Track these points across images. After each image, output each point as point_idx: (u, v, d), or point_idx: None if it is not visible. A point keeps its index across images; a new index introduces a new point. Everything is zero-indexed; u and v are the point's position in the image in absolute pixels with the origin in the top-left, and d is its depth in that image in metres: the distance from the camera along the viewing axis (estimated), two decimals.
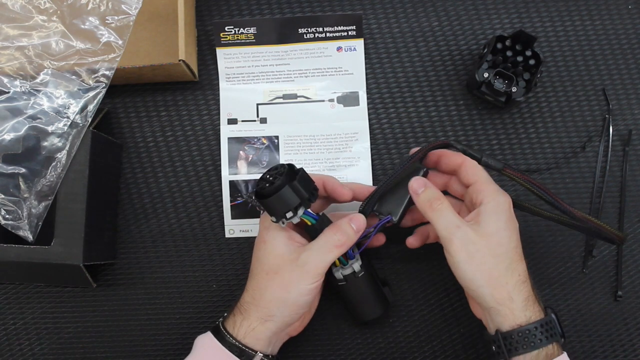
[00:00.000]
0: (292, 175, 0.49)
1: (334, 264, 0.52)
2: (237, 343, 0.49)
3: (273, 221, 0.50)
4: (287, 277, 0.49)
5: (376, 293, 0.55)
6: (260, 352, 0.50)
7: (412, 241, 0.56)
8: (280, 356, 0.54)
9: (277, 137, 0.62)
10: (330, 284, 0.55)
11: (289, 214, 0.49)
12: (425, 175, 0.53)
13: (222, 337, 0.50)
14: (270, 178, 0.49)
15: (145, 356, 0.61)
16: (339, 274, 0.53)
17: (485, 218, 0.49)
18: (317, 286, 0.50)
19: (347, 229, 0.50)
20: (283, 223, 0.49)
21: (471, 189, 0.51)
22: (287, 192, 0.48)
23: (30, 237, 0.55)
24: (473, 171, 0.51)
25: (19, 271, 0.58)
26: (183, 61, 0.57)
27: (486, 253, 0.48)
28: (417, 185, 0.51)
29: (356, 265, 0.53)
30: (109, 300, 0.62)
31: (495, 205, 0.49)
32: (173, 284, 0.62)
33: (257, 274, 0.51)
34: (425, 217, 0.50)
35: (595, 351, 0.60)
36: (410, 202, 0.52)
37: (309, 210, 0.50)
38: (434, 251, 0.61)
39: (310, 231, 0.52)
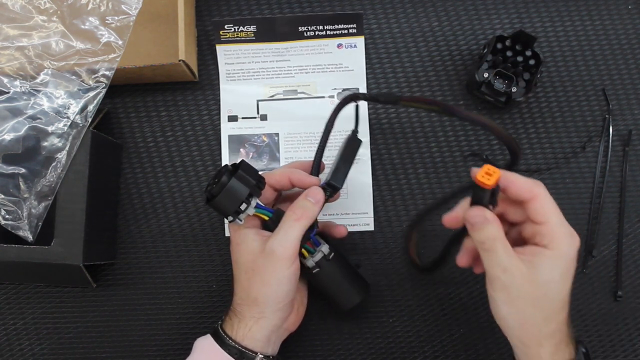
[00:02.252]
0: (234, 170, 0.50)
1: (303, 257, 0.52)
2: (236, 346, 0.49)
3: (230, 221, 0.50)
4: (263, 271, 0.49)
5: (353, 274, 0.55)
6: (261, 354, 0.50)
7: (462, 261, 0.51)
8: (280, 356, 0.54)
9: (277, 135, 0.62)
10: (310, 284, 0.56)
11: (243, 206, 0.49)
12: (493, 197, 0.45)
13: (222, 340, 0.50)
14: (216, 180, 0.49)
15: (145, 356, 0.61)
16: (310, 262, 0.52)
17: (541, 265, 0.44)
18: (293, 272, 0.49)
19: (303, 203, 0.50)
20: (240, 220, 0.50)
21: (538, 228, 0.45)
22: (235, 184, 0.48)
23: (30, 237, 0.55)
24: (545, 211, 0.45)
25: (19, 271, 0.58)
26: (183, 61, 0.57)
27: (528, 301, 0.45)
28: (477, 220, 0.45)
29: (324, 248, 0.52)
30: (109, 300, 0.62)
31: (558, 255, 0.45)
32: (173, 284, 0.62)
33: (238, 276, 0.51)
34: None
35: (595, 351, 0.60)
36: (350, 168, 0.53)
37: (260, 203, 0.51)
38: (435, 251, 0.61)
39: (268, 227, 0.52)
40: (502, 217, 0.48)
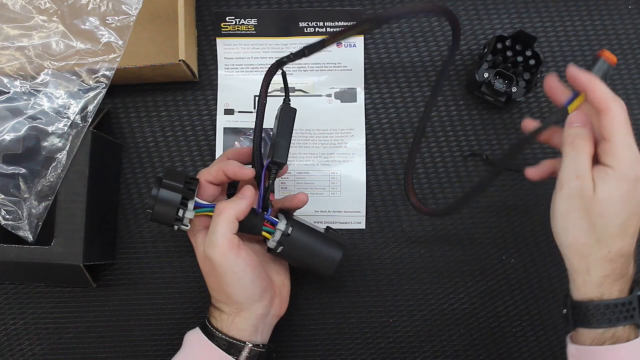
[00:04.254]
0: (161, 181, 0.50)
1: (266, 238, 0.52)
2: (224, 337, 0.50)
3: (177, 230, 0.50)
4: (217, 273, 0.49)
5: (321, 241, 0.53)
6: (249, 342, 0.50)
7: (532, 173, 0.52)
8: (275, 347, 0.54)
9: (272, 130, 0.62)
10: (291, 266, 0.56)
11: (180, 212, 0.49)
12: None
13: (210, 332, 0.51)
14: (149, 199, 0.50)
15: (145, 356, 0.61)
16: (271, 243, 0.52)
17: (601, 182, 0.44)
18: (244, 263, 0.49)
19: (219, 205, 0.50)
20: (186, 225, 0.50)
21: (604, 146, 0.45)
22: (164, 194, 0.49)
23: (30, 237, 0.55)
24: (612, 127, 0.44)
25: (19, 271, 0.58)
26: (183, 61, 0.57)
27: (583, 216, 0.45)
28: (576, 119, 0.47)
29: (281, 225, 0.52)
30: (109, 300, 0.62)
31: (618, 175, 0.44)
32: (173, 284, 0.62)
33: (206, 278, 0.52)
34: (562, 149, 0.47)
35: None
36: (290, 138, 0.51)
37: (201, 202, 0.51)
38: (435, 251, 0.61)
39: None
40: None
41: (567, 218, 0.46)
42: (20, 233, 0.55)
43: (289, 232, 0.52)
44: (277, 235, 0.52)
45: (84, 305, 0.61)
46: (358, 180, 0.62)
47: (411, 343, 0.61)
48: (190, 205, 0.50)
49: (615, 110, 0.45)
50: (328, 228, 0.55)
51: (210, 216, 0.50)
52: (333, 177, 0.62)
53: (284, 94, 0.54)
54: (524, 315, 0.61)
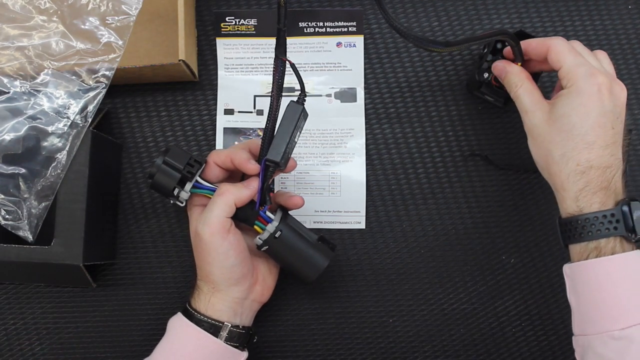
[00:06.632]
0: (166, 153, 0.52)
1: (258, 233, 0.52)
2: (204, 318, 0.51)
3: (172, 203, 0.52)
4: (201, 251, 0.51)
5: (308, 248, 0.53)
6: (229, 323, 0.51)
7: None
8: (276, 346, 0.54)
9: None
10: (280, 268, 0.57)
11: (176, 190, 0.51)
12: (518, 54, 0.52)
13: (191, 315, 0.52)
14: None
15: (145, 356, 0.61)
16: (258, 240, 0.53)
17: (558, 102, 0.48)
18: (229, 247, 0.50)
19: (222, 186, 0.51)
20: (181, 202, 0.52)
21: (559, 75, 0.50)
22: (164, 171, 0.51)
23: (30, 237, 0.55)
24: (558, 56, 0.49)
25: (19, 271, 0.58)
26: (183, 61, 0.57)
27: (546, 137, 0.48)
28: (498, 72, 0.54)
29: (270, 226, 0.52)
30: (109, 300, 0.61)
31: (572, 91, 0.48)
32: (173, 284, 0.62)
33: (194, 253, 0.53)
34: None
35: None
36: (291, 143, 0.50)
37: (202, 182, 0.52)
38: (435, 251, 0.61)
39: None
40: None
41: (534, 146, 0.50)
42: (20, 233, 0.55)
43: (277, 235, 0.52)
44: (265, 235, 0.52)
45: (84, 305, 0.61)
46: (358, 180, 0.62)
47: (411, 343, 0.61)
48: (188, 186, 0.51)
49: (554, 44, 0.50)
50: (322, 237, 0.55)
51: (208, 197, 0.52)
52: (333, 177, 0.62)
53: (285, 93, 0.53)
54: (523, 315, 0.61)
